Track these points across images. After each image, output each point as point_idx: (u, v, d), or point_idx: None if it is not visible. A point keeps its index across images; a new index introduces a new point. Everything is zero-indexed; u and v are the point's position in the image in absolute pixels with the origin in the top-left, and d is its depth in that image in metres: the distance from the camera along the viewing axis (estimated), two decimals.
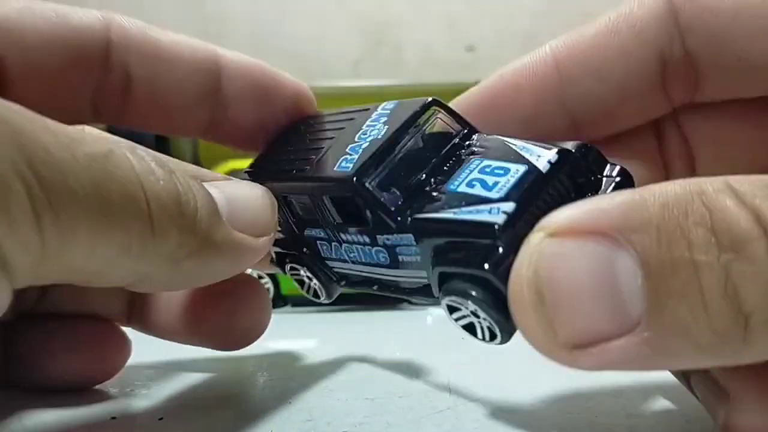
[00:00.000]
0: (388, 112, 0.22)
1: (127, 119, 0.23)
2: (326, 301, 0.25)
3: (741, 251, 0.13)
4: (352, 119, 0.23)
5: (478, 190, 0.18)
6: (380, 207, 0.20)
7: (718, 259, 0.13)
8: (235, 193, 0.20)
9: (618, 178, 0.19)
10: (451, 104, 0.22)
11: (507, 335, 0.18)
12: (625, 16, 0.21)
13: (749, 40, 0.19)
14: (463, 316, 0.18)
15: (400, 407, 0.24)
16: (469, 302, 0.18)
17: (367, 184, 0.20)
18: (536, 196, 0.18)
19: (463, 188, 0.19)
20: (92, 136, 0.16)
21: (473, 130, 0.21)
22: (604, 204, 0.15)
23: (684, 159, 0.23)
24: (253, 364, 0.30)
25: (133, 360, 0.28)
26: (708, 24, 0.20)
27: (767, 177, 0.14)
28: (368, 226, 0.20)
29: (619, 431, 0.22)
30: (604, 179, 0.19)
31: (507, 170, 0.18)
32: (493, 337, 0.18)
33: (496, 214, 0.17)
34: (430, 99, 0.21)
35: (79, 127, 0.17)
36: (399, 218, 0.19)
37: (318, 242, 0.23)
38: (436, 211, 0.19)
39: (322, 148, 0.22)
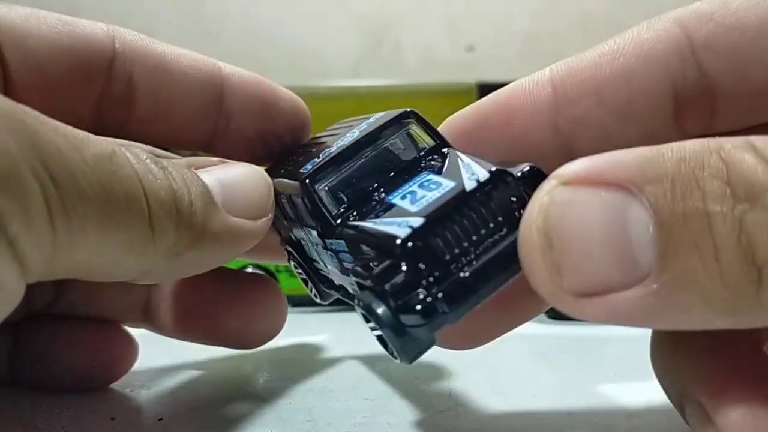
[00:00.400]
0: (372, 121, 0.22)
1: (130, 131, 0.23)
2: (323, 302, 0.25)
3: (756, 201, 0.13)
4: (349, 126, 0.23)
5: (405, 203, 0.18)
6: (321, 210, 0.20)
7: (732, 210, 0.13)
8: (229, 177, 0.20)
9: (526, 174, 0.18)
10: (445, 122, 0.22)
11: (405, 359, 0.17)
12: (631, 39, 0.20)
13: None
14: (374, 328, 0.18)
15: (400, 408, 0.24)
16: (372, 317, 0.17)
17: (316, 187, 0.20)
18: (452, 213, 0.17)
19: (396, 200, 0.19)
20: (96, 138, 0.17)
21: (444, 145, 0.21)
22: (620, 156, 0.14)
23: None
24: (252, 365, 0.30)
25: None
26: (729, 42, 0.19)
27: None
28: (318, 229, 0.20)
29: (620, 431, 0.22)
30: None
31: (438, 185, 0.18)
32: (394, 355, 0.18)
33: (403, 228, 0.17)
34: (406, 110, 0.21)
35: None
36: (336, 223, 0.19)
37: (302, 243, 0.23)
38: (363, 219, 0.19)
39: (311, 152, 0.22)
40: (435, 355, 0.30)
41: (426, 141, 0.21)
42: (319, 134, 0.25)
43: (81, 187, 0.15)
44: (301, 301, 0.37)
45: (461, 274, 0.16)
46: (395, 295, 0.16)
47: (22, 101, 0.15)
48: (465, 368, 0.28)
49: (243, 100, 0.24)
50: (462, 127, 0.22)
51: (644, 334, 0.20)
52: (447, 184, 0.18)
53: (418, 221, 0.17)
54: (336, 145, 0.21)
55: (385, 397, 0.25)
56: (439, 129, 0.22)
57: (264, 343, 0.28)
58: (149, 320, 0.28)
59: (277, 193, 0.22)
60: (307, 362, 0.30)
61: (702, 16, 0.19)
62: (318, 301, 0.25)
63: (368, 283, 0.17)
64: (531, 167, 0.18)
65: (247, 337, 0.27)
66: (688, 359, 0.18)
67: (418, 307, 0.16)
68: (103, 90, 0.22)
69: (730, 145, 0.14)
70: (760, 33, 0.19)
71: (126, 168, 0.17)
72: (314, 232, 0.21)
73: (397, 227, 0.17)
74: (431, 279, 0.16)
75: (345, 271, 0.20)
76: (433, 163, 0.20)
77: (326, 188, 0.20)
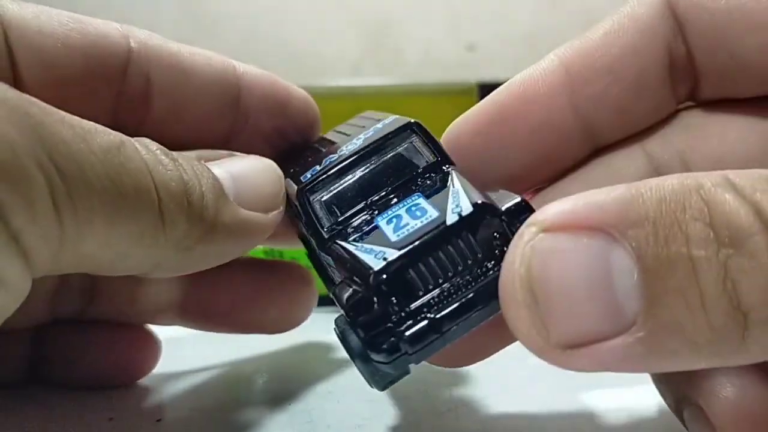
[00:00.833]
0: (380, 127, 0.21)
1: (146, 132, 0.23)
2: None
3: (741, 246, 0.13)
4: (359, 128, 0.22)
5: (389, 230, 0.18)
6: (314, 222, 0.20)
7: (716, 255, 0.13)
8: (239, 169, 0.20)
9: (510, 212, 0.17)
10: (455, 122, 0.22)
11: (376, 387, 0.17)
12: (628, 15, 0.20)
13: (743, 37, 0.19)
14: (348, 353, 0.18)
15: (401, 409, 0.24)
16: (343, 344, 0.17)
17: (311, 198, 0.20)
18: (428, 248, 0.17)
19: (382, 223, 0.18)
20: (104, 129, 0.16)
21: (445, 162, 0.20)
22: (600, 198, 0.14)
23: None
24: (252, 366, 0.30)
25: None
26: (702, 21, 0.20)
27: (766, 171, 0.14)
28: (313, 239, 0.20)
29: (620, 431, 0.22)
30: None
31: (423, 213, 0.18)
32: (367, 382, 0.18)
33: (379, 259, 0.17)
34: (409, 121, 0.21)
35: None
36: (327, 237, 0.19)
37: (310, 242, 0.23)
38: (346, 239, 0.18)
39: (315, 156, 0.22)
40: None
41: (427, 156, 0.20)
42: (328, 133, 0.25)
43: (88, 178, 0.15)
44: None
45: (431, 316, 0.16)
46: (365, 329, 0.16)
47: None
48: (465, 369, 0.27)
49: (259, 99, 0.24)
50: (477, 126, 0.21)
51: None
52: (431, 214, 0.18)
53: (393, 254, 0.17)
54: (338, 153, 0.21)
55: (386, 399, 0.25)
56: (450, 128, 0.21)
57: (297, 326, 0.28)
58: (185, 317, 0.27)
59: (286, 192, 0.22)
60: (307, 363, 0.30)
61: None
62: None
63: (342, 311, 0.17)
64: (518, 202, 0.17)
65: (284, 325, 0.28)
66: None
67: (384, 346, 0.16)
68: (119, 90, 0.22)
69: (710, 183, 0.14)
70: (728, 15, 0.19)
71: (135, 159, 0.16)
72: (312, 241, 0.20)
73: (373, 257, 0.17)
74: (402, 314, 0.16)
75: (332, 287, 0.20)
76: (428, 182, 0.20)
77: (321, 200, 0.20)
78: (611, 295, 0.14)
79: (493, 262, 0.17)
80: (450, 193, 0.18)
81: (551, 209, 0.15)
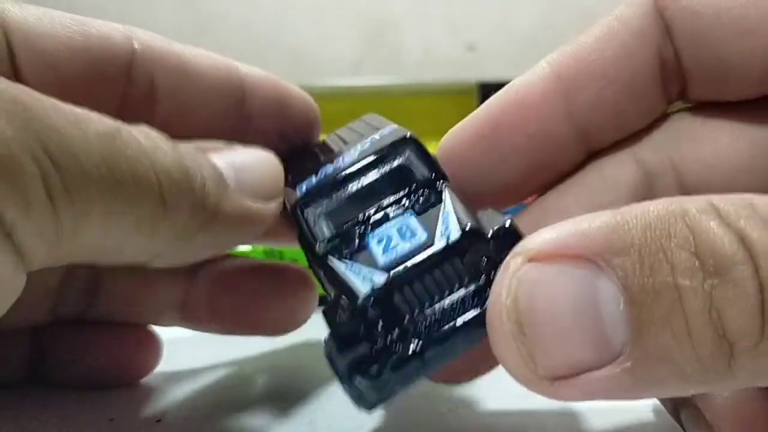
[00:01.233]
0: (377, 138, 0.21)
1: None
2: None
3: (725, 275, 0.13)
4: (357, 136, 0.22)
5: (378, 250, 0.18)
6: (308, 237, 0.20)
7: (702, 284, 0.13)
8: (240, 159, 0.20)
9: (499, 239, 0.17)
10: (451, 132, 0.22)
11: (362, 409, 0.17)
12: (618, 18, 0.20)
13: (731, 42, 0.19)
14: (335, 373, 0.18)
15: (401, 410, 0.24)
16: (330, 364, 0.17)
17: (305, 212, 0.20)
18: (415, 273, 0.17)
19: (372, 243, 0.18)
20: (98, 115, 0.16)
21: (438, 177, 0.20)
22: (585, 226, 0.14)
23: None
24: (252, 366, 0.30)
25: None
26: (690, 24, 0.20)
27: (750, 196, 0.14)
28: (307, 252, 0.20)
29: (621, 431, 0.22)
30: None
31: (413, 235, 0.18)
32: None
33: (366, 282, 0.17)
34: (405, 135, 0.21)
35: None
36: (321, 253, 0.19)
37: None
38: (338, 256, 0.19)
39: (314, 163, 0.22)
40: None
41: (422, 171, 0.20)
42: (329, 137, 0.25)
43: (84, 167, 0.15)
44: None
45: (414, 342, 0.16)
46: (351, 354, 0.16)
47: None
48: None
49: (262, 100, 0.24)
50: (473, 135, 0.21)
51: None
52: (419, 237, 0.18)
53: (381, 278, 0.17)
54: (334, 165, 0.21)
55: None
56: (446, 138, 0.21)
57: (298, 327, 0.28)
58: (187, 318, 0.27)
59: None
60: (307, 363, 0.30)
61: None
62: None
63: (330, 331, 0.17)
64: (507, 226, 0.17)
65: (286, 326, 0.28)
66: None
67: (368, 372, 0.16)
68: (123, 92, 0.22)
69: (694, 209, 0.14)
70: (715, 18, 0.19)
71: (133, 146, 0.16)
72: (307, 254, 0.20)
73: (361, 280, 0.17)
74: (387, 340, 0.16)
75: (323, 303, 0.19)
76: (421, 199, 0.19)
77: (316, 214, 0.20)
78: (598, 325, 0.14)
79: (479, 289, 0.17)
80: (441, 213, 0.18)
81: (537, 238, 0.15)
